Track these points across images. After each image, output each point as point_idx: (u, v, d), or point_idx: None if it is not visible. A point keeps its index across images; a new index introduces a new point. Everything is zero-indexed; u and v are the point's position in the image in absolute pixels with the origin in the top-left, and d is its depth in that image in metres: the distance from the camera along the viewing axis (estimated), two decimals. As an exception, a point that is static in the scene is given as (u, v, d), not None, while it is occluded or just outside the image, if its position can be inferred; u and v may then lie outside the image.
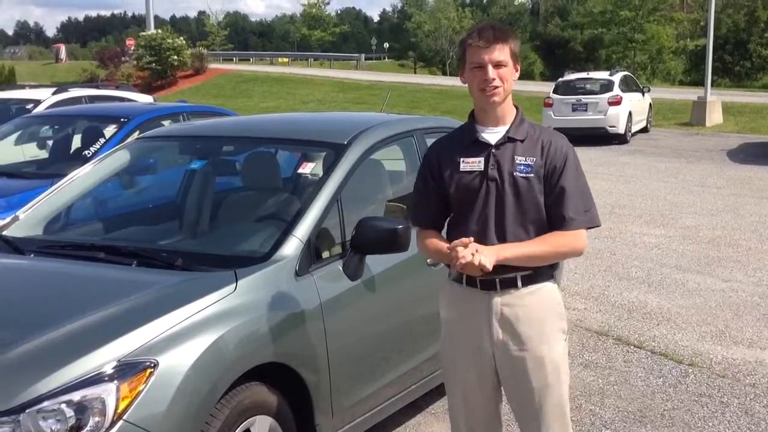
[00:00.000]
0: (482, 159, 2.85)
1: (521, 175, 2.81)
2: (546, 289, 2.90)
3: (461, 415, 3.03)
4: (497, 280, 2.82)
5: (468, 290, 2.90)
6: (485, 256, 2.67)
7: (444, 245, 2.84)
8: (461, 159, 2.87)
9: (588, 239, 2.92)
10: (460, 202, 2.88)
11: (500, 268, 2.75)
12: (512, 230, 2.81)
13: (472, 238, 2.72)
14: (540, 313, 2.88)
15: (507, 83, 2.82)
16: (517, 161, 2.82)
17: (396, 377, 3.96)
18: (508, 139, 2.85)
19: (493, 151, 2.85)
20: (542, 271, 2.88)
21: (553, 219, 2.82)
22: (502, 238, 2.81)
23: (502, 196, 2.82)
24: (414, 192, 3.06)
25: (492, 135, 2.87)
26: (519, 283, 2.84)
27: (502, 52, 2.79)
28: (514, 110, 2.92)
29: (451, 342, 2.98)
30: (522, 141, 2.85)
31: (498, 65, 2.79)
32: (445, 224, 2.98)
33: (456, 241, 2.72)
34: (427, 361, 4.22)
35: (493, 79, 2.78)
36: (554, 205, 2.81)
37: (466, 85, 2.88)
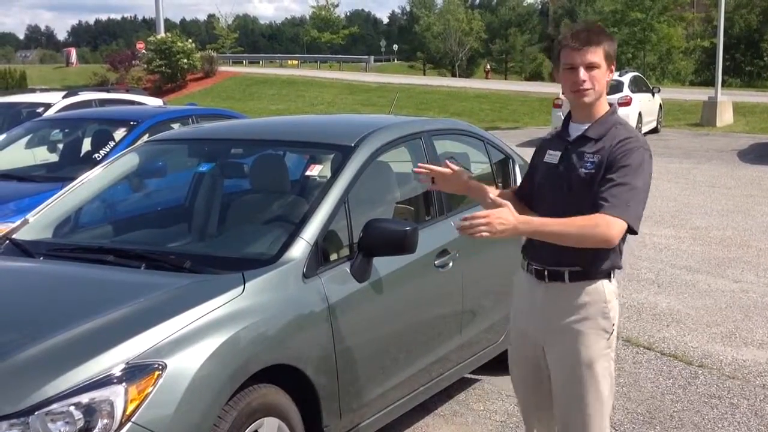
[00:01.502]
0: (560, 153, 2.97)
1: (585, 171, 2.87)
2: (594, 287, 2.92)
3: (521, 393, 3.23)
4: (546, 271, 2.95)
5: (528, 276, 3.05)
6: (491, 224, 2.69)
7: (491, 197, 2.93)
8: (548, 150, 3.04)
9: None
10: (537, 190, 3.05)
11: (550, 260, 2.90)
12: (569, 215, 2.82)
13: (505, 203, 2.76)
14: (581, 308, 2.91)
15: (599, 84, 2.87)
16: (586, 158, 2.88)
17: (404, 379, 3.96)
18: (583, 137, 2.93)
19: (569, 146, 2.95)
20: (594, 270, 2.91)
21: (593, 204, 2.80)
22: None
23: (565, 190, 2.91)
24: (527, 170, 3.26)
25: (575, 131, 2.97)
26: (566, 278, 2.92)
27: (595, 54, 2.84)
28: (607, 107, 2.95)
29: (514, 323, 3.19)
30: (596, 139, 2.89)
31: (590, 67, 2.84)
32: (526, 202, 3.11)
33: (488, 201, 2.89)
34: (435, 363, 4.22)
35: (584, 81, 2.84)
36: (599, 191, 2.81)
37: (560, 84, 2.95)
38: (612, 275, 2.98)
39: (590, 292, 2.92)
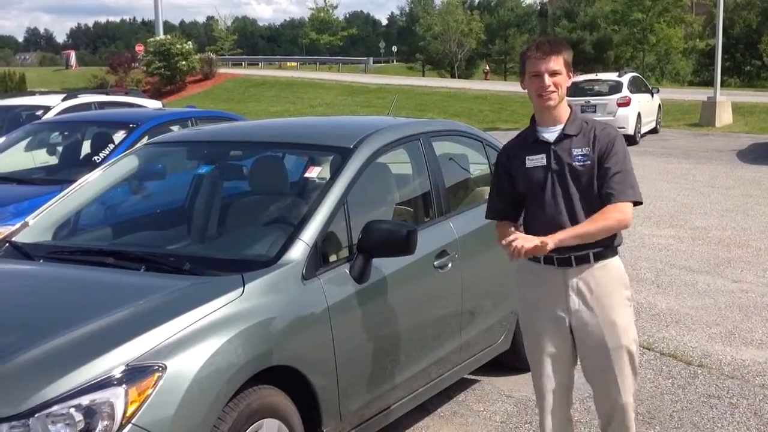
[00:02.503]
0: (544, 155, 3.27)
1: (579, 164, 3.23)
2: (614, 263, 3.32)
3: (544, 381, 3.40)
4: (572, 257, 3.25)
5: (545, 268, 3.32)
6: (539, 248, 3.09)
7: (505, 233, 3.27)
8: (526, 157, 3.31)
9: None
10: (529, 195, 3.32)
11: (574, 247, 3.21)
12: (581, 211, 3.22)
13: (513, 230, 3.24)
14: (609, 283, 3.29)
15: (561, 89, 3.24)
16: (575, 153, 3.24)
17: (404, 380, 3.97)
18: (564, 136, 3.27)
19: (553, 147, 3.27)
20: (610, 248, 3.30)
21: (602, 194, 3.20)
22: (575, 220, 3.21)
23: (566, 184, 3.25)
24: (490, 189, 3.56)
25: (551, 134, 3.29)
26: (591, 259, 3.26)
27: (556, 63, 3.21)
28: (569, 110, 3.32)
29: (533, 315, 3.39)
30: (576, 135, 3.26)
31: (553, 74, 3.20)
32: (521, 217, 3.42)
33: (504, 240, 3.16)
34: (434, 364, 4.23)
35: (549, 86, 3.20)
36: (602, 183, 3.21)
37: (526, 91, 3.31)
38: (618, 250, 3.38)
39: (612, 267, 3.31)
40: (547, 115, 3.29)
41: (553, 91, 3.21)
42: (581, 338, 3.32)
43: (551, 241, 3.12)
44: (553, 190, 3.26)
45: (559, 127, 3.29)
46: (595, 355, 3.31)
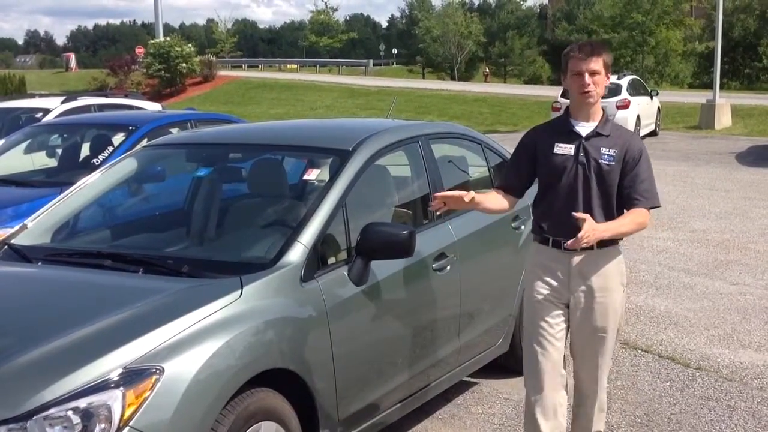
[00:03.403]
0: (574, 146, 3.53)
1: (605, 162, 3.50)
2: (613, 251, 3.62)
3: (536, 356, 3.63)
4: (562, 243, 3.52)
5: (553, 251, 3.60)
6: (595, 237, 3.36)
7: (494, 199, 3.68)
8: (556, 143, 3.56)
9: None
10: (549, 180, 3.58)
11: (574, 234, 3.38)
12: (596, 205, 3.50)
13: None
14: (607, 269, 3.58)
15: (599, 88, 3.51)
16: (603, 151, 3.51)
17: (402, 382, 3.97)
18: (596, 134, 3.54)
19: (584, 141, 3.53)
20: (612, 238, 3.56)
21: (629, 198, 3.52)
22: (589, 211, 3.46)
23: (588, 177, 3.51)
24: (509, 164, 3.86)
25: (583, 128, 3.55)
26: (594, 247, 3.51)
27: (597, 63, 3.48)
28: (602, 111, 3.61)
29: (537, 291, 3.65)
30: (608, 136, 3.54)
31: (593, 73, 3.48)
32: (520, 194, 3.75)
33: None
34: (433, 366, 4.23)
35: (589, 84, 3.47)
36: (631, 188, 3.51)
37: (568, 88, 3.59)
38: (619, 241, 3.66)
39: (611, 254, 3.60)
40: (584, 110, 3.56)
41: (593, 89, 3.48)
42: (575, 316, 3.61)
43: (602, 232, 3.40)
44: (574, 180, 3.52)
45: (593, 124, 3.56)
46: (584, 333, 3.62)
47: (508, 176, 3.78)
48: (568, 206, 3.50)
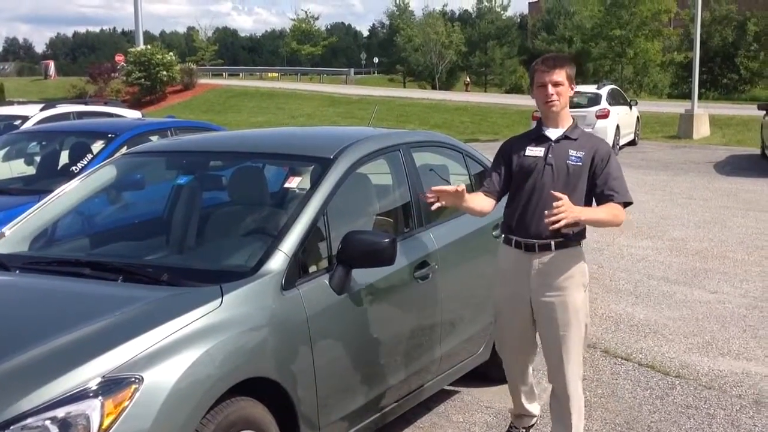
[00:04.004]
0: (543, 149, 3.83)
1: (572, 163, 3.77)
2: (573, 252, 3.84)
3: (505, 342, 4.09)
4: (536, 244, 3.80)
5: (515, 251, 3.88)
6: (571, 212, 3.50)
7: (478, 199, 3.88)
8: (527, 147, 3.88)
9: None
10: (519, 179, 3.85)
11: (538, 236, 3.76)
12: (552, 201, 3.56)
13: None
14: (566, 269, 3.80)
15: (563, 98, 3.80)
16: (571, 153, 3.79)
17: (383, 391, 3.96)
18: (565, 137, 3.84)
19: (553, 144, 3.83)
20: (572, 239, 3.82)
21: (602, 195, 3.75)
22: (546, 206, 3.62)
23: (555, 177, 3.77)
24: (489, 169, 4.11)
25: (553, 133, 3.86)
26: (552, 248, 3.79)
27: (559, 75, 3.77)
28: (571, 119, 3.91)
29: (502, 288, 3.98)
30: (576, 140, 3.83)
31: (556, 84, 3.77)
32: (499, 198, 3.97)
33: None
34: (414, 375, 4.22)
35: (552, 95, 3.78)
36: (604, 185, 3.75)
37: (535, 99, 3.89)
38: (582, 243, 3.90)
39: (571, 256, 3.83)
40: (552, 118, 3.87)
41: (556, 100, 3.78)
42: (539, 312, 3.86)
43: (579, 213, 3.58)
44: (542, 179, 3.78)
45: (561, 129, 3.87)
46: (549, 329, 3.84)
47: (488, 181, 3.99)
48: (536, 205, 3.77)
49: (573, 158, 3.77)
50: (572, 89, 3.84)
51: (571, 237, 3.81)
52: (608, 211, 3.72)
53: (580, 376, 3.94)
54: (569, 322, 3.80)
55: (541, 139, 3.86)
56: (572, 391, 3.89)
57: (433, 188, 3.73)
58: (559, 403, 3.93)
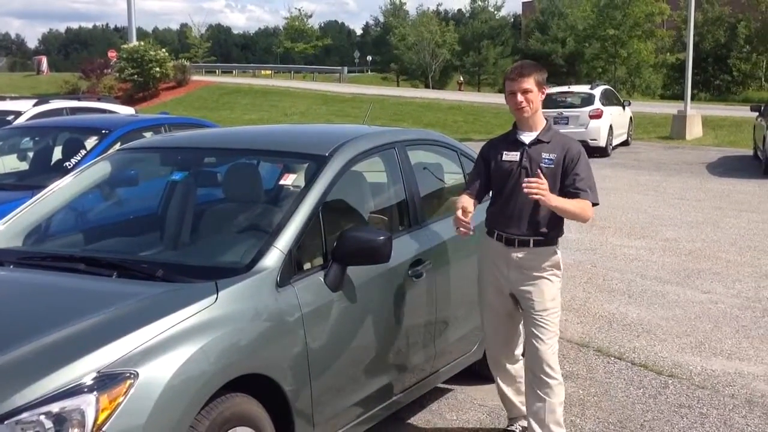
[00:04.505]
0: (518, 153, 4.04)
1: (545, 165, 3.97)
2: (549, 249, 4.08)
3: (489, 329, 4.32)
4: (516, 239, 4.03)
5: (497, 243, 4.11)
6: (546, 193, 3.79)
7: (465, 203, 4.00)
8: (503, 152, 4.09)
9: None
10: (498, 182, 4.09)
11: (518, 231, 4.01)
12: (530, 204, 3.92)
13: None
14: (542, 263, 4.05)
15: (533, 104, 4.02)
16: (543, 156, 3.99)
17: (377, 388, 3.96)
18: (538, 141, 4.04)
19: (527, 148, 4.03)
20: (550, 238, 4.05)
21: (571, 192, 3.95)
22: (530, 210, 3.97)
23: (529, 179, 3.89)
24: (471, 171, 4.34)
25: (527, 137, 4.07)
26: (531, 244, 4.03)
27: (527, 83, 3.99)
28: (545, 121, 4.10)
29: (484, 279, 4.24)
30: (548, 142, 4.03)
31: (525, 92, 3.99)
32: (481, 199, 4.17)
33: (460, 209, 3.91)
34: (408, 373, 4.23)
35: (521, 102, 4.00)
36: (571, 184, 3.96)
37: (508, 105, 4.12)
38: (558, 241, 4.13)
39: (546, 252, 4.07)
40: (525, 122, 4.08)
41: (525, 106, 4.00)
42: (519, 300, 4.12)
43: (552, 199, 3.85)
44: (517, 182, 3.95)
45: (535, 133, 4.06)
46: (527, 315, 4.10)
47: (472, 183, 4.20)
48: (514, 206, 4.01)
49: (546, 161, 3.98)
50: (542, 93, 4.05)
51: (550, 236, 4.05)
52: (576, 204, 3.95)
53: (555, 358, 4.10)
54: (544, 307, 4.04)
55: (516, 143, 4.07)
56: (546, 372, 4.04)
57: (461, 221, 3.91)
58: (532, 381, 4.09)
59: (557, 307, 4.13)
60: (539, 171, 3.92)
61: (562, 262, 4.16)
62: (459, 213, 3.92)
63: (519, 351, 4.41)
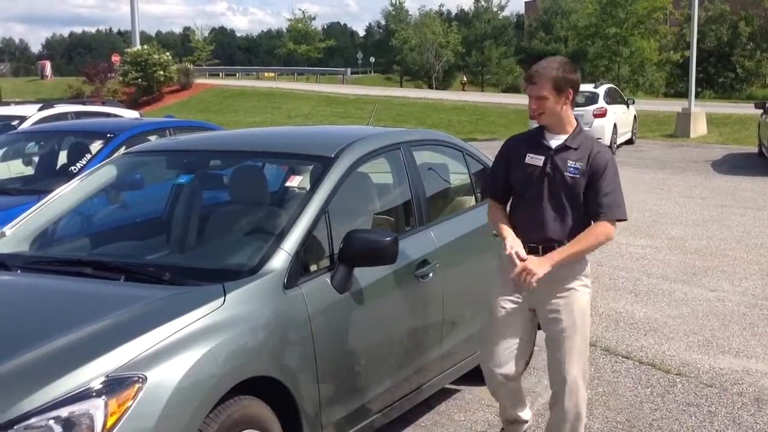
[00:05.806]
0: (543, 158, 3.72)
1: (570, 175, 3.68)
2: (575, 260, 3.72)
3: (493, 344, 3.86)
4: (540, 248, 3.69)
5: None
6: (535, 274, 3.55)
7: (503, 228, 3.76)
8: (527, 154, 3.76)
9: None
10: (519, 187, 3.80)
11: (542, 239, 3.68)
12: (560, 215, 3.69)
13: (526, 258, 3.59)
14: (570, 274, 3.73)
15: (548, 110, 3.69)
16: (569, 164, 3.68)
17: (385, 390, 3.96)
18: (565, 147, 3.72)
19: (552, 154, 3.72)
20: None
21: (593, 209, 3.68)
22: (553, 221, 3.68)
23: (553, 188, 3.69)
24: (489, 172, 4.09)
25: (554, 141, 3.75)
26: None
27: (542, 88, 3.67)
28: (575, 123, 3.78)
29: (498, 291, 3.85)
30: (576, 149, 3.70)
31: (539, 98, 3.68)
32: (507, 202, 3.90)
33: (513, 253, 3.61)
34: (415, 374, 4.22)
35: (535, 108, 3.71)
36: (594, 199, 3.67)
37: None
38: None
39: (573, 261, 3.70)
40: (550, 126, 3.76)
41: (540, 113, 3.71)
42: (543, 318, 3.80)
43: (549, 264, 3.59)
44: (540, 189, 3.70)
45: (563, 137, 3.74)
46: (554, 333, 3.77)
47: (494, 186, 3.94)
48: (534, 215, 3.71)
49: (571, 170, 3.67)
50: (568, 96, 3.70)
51: None
52: (591, 233, 3.66)
53: (585, 378, 3.82)
54: (576, 324, 3.73)
55: (542, 147, 3.75)
56: (578, 397, 3.75)
57: (521, 256, 3.63)
58: (556, 397, 3.81)
59: (586, 325, 3.79)
60: (563, 180, 3.65)
61: (590, 269, 3.85)
62: (514, 257, 3.61)
63: (522, 370, 4.00)
